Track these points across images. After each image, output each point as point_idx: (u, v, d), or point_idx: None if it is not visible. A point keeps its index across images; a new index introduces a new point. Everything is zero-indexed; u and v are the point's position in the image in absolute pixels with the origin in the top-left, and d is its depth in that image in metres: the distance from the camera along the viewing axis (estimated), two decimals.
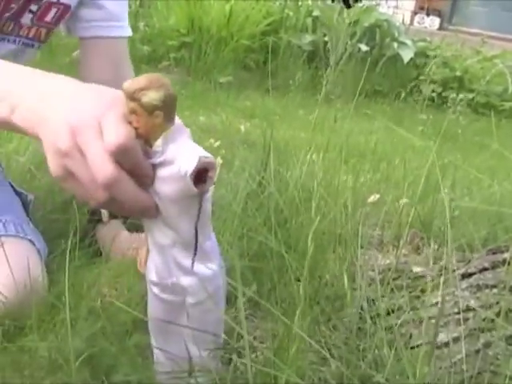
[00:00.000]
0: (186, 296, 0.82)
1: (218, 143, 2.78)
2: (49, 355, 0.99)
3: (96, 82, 1.36)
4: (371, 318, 1.03)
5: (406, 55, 5.17)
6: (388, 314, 1.07)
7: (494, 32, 9.65)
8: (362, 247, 1.34)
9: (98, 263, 1.30)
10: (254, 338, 1.08)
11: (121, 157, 0.72)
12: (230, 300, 1.14)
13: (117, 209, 0.78)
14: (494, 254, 1.15)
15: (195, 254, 0.80)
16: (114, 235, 1.40)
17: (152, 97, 0.71)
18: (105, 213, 1.44)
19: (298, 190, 1.32)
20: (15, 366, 0.99)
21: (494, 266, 1.10)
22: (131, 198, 0.74)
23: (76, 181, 0.74)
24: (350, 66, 4.80)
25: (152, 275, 0.83)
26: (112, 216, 1.45)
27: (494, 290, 1.05)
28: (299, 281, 1.14)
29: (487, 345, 0.97)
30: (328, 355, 0.88)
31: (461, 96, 4.82)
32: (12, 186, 1.40)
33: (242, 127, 3.31)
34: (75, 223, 1.21)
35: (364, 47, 5.04)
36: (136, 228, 1.42)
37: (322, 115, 3.46)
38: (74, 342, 0.99)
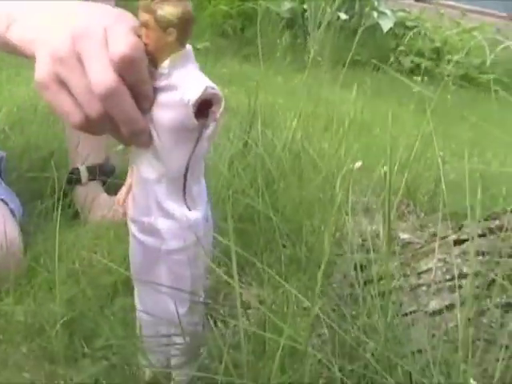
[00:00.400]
0: (162, 242, 0.77)
1: None
2: (25, 319, 0.95)
3: None
4: (362, 284, 1.00)
5: (386, 25, 5.12)
6: (378, 280, 1.04)
7: (471, 5, 9.65)
8: (348, 214, 1.31)
9: (76, 226, 1.25)
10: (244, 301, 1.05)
11: (125, 69, 0.67)
12: (215, 263, 1.10)
13: (106, 128, 0.71)
14: (485, 220, 1.12)
15: (184, 193, 0.75)
16: (93, 197, 1.36)
17: (168, 11, 0.67)
18: (84, 173, 1.39)
19: (285, 153, 1.28)
20: None
21: (487, 233, 1.07)
22: (127, 116, 0.68)
23: (63, 92, 0.68)
24: (328, 35, 4.75)
25: (131, 211, 0.78)
26: (91, 177, 1.40)
27: (488, 257, 1.02)
28: (285, 246, 1.11)
29: (481, 313, 0.95)
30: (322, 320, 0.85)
31: (441, 68, 4.79)
32: None
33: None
34: (53, 183, 1.16)
35: (343, 16, 4.98)
36: (115, 191, 1.38)
37: (302, 82, 3.41)
38: (53, 305, 0.96)
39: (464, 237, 1.08)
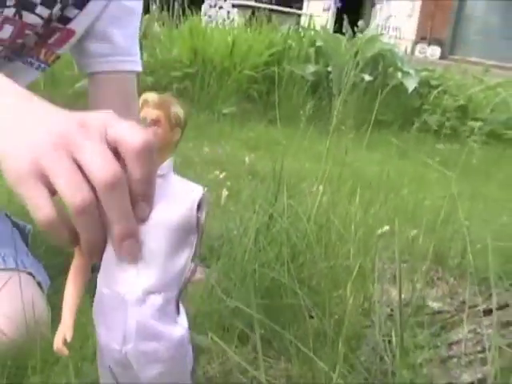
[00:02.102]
0: (140, 370, 0.66)
1: (223, 175, 2.75)
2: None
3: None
4: (391, 356, 0.99)
5: (410, 84, 5.15)
6: (407, 352, 1.02)
7: (493, 61, 9.70)
8: (377, 282, 1.29)
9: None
10: (268, 380, 1.03)
11: (142, 158, 0.60)
12: (242, 339, 1.10)
13: (91, 229, 0.62)
14: None
15: (178, 306, 0.67)
16: None
17: (179, 109, 0.69)
18: None
19: (310, 224, 1.28)
20: None
21: None
22: (124, 212, 0.61)
23: (39, 185, 0.60)
24: (353, 96, 4.78)
25: (103, 340, 0.67)
26: None
27: None
28: (312, 317, 1.10)
29: None
30: None
31: (468, 126, 4.79)
32: (9, 218, 1.37)
33: (247, 158, 3.29)
34: None
35: (367, 77, 5.02)
36: None
37: (327, 146, 3.43)
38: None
39: (495, 306, 1.06)
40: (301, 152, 3.55)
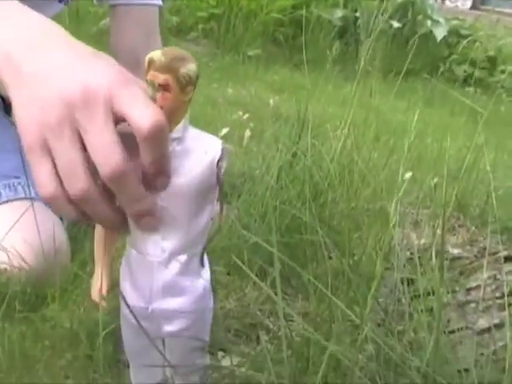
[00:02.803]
0: (165, 322, 0.70)
1: (246, 116, 2.73)
2: (71, 326, 0.96)
3: (127, 50, 1.31)
4: (409, 299, 0.99)
5: (440, 33, 5.07)
6: (426, 296, 1.02)
7: None
8: (398, 226, 1.29)
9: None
10: (285, 317, 1.04)
11: (150, 146, 0.58)
12: (261, 275, 1.10)
13: (79, 211, 0.61)
14: None
15: (202, 262, 0.69)
16: None
17: (190, 68, 0.60)
18: None
19: (333, 164, 1.27)
20: (36, 337, 0.96)
21: None
22: (134, 197, 0.60)
23: (45, 159, 0.58)
24: (380, 43, 4.71)
25: (130, 296, 0.70)
26: None
27: None
28: (331, 258, 1.10)
29: None
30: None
31: (496, 77, 4.72)
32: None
33: (271, 101, 3.26)
34: None
35: (396, 24, 4.95)
36: None
37: (353, 88, 3.39)
38: (98, 314, 0.96)
39: None
40: (325, 96, 3.52)
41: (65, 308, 1.02)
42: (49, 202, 0.60)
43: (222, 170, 0.64)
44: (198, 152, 0.63)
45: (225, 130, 2.26)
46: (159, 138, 0.58)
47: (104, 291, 0.79)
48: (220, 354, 0.94)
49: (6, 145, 1.21)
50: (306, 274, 0.99)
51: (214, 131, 2.19)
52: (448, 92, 4.16)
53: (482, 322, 0.96)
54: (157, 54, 0.60)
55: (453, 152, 2.42)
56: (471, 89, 4.45)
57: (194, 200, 0.64)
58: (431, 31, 5.10)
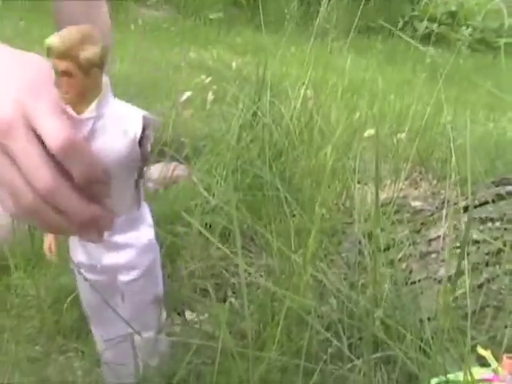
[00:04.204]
0: (119, 275, 0.75)
1: (208, 79, 2.72)
2: (37, 294, 0.96)
3: (66, 21, 1.29)
4: (371, 252, 1.00)
5: None
6: (387, 248, 1.03)
7: None
8: (358, 182, 1.30)
9: None
10: (249, 274, 1.05)
11: (67, 158, 0.58)
12: (225, 235, 1.11)
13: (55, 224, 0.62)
14: (496, 186, 1.11)
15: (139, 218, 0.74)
16: None
17: (91, 52, 0.59)
18: None
19: (293, 123, 1.27)
20: (2, 306, 0.96)
21: (496, 199, 1.06)
22: (73, 210, 0.60)
23: None
24: (342, 1, 4.70)
25: (80, 256, 0.74)
26: None
27: (497, 224, 1.01)
28: (294, 215, 1.11)
29: (491, 279, 0.94)
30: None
31: (457, 33, 4.74)
32: None
33: (234, 63, 3.25)
34: None
35: None
36: None
37: (315, 51, 3.38)
38: (64, 279, 0.96)
39: (475, 203, 1.07)
40: (288, 57, 3.52)
41: (30, 276, 1.02)
42: (13, 217, 0.64)
43: (147, 146, 0.64)
44: (118, 131, 0.62)
45: (187, 94, 2.26)
46: (71, 153, 0.58)
47: (53, 248, 0.81)
48: (187, 312, 0.95)
49: None
50: (268, 231, 1.00)
51: (177, 96, 2.18)
52: (410, 49, 4.17)
53: (443, 272, 0.98)
54: (54, 41, 0.58)
55: (415, 108, 2.44)
56: (432, 45, 4.46)
57: (119, 175, 0.64)
58: None
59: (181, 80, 2.73)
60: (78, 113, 0.61)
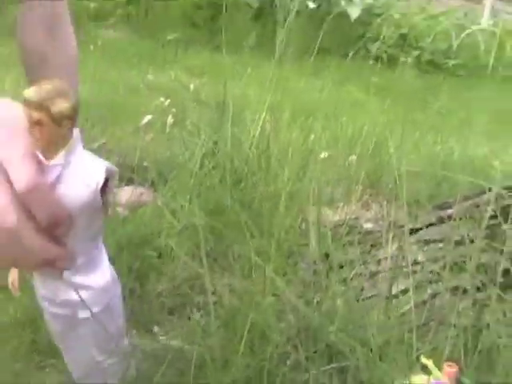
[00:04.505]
0: (77, 311, 0.80)
1: (167, 102, 2.78)
2: (15, 314, 1.02)
3: (31, 49, 1.32)
4: (326, 272, 1.08)
5: (354, 12, 5.20)
6: (341, 267, 1.12)
7: None
8: (313, 204, 1.38)
9: None
10: (213, 293, 1.12)
11: (30, 203, 0.62)
12: (190, 257, 1.18)
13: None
14: (440, 209, 1.20)
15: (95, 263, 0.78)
16: None
17: (63, 105, 0.63)
18: None
19: (252, 151, 1.35)
20: None
21: (439, 222, 1.15)
22: (36, 248, 0.64)
23: None
24: (297, 24, 4.81)
25: (41, 290, 0.79)
26: None
27: (440, 245, 1.10)
28: (254, 237, 1.18)
29: (434, 296, 1.03)
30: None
31: (408, 58, 4.88)
32: None
33: (192, 85, 3.31)
34: None
35: (311, 4, 5.05)
36: None
37: (272, 73, 3.47)
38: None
39: (419, 225, 1.16)
40: (246, 79, 3.59)
41: (11, 298, 1.07)
42: None
43: (109, 197, 0.69)
44: (82, 180, 0.66)
45: (148, 118, 2.32)
46: (35, 196, 0.62)
47: (16, 284, 0.87)
48: (155, 328, 1.02)
49: None
50: (230, 253, 1.08)
51: (137, 119, 2.25)
52: (363, 70, 4.30)
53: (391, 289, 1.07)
54: (30, 92, 0.63)
55: (367, 129, 2.54)
56: (384, 66, 4.59)
57: (80, 220, 0.67)
58: (345, 10, 5.22)
59: (140, 103, 2.79)
60: (47, 159, 0.65)
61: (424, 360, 0.85)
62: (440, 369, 0.84)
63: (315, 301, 1.04)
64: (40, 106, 0.62)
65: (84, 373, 0.87)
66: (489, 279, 0.99)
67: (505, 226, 1.03)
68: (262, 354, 0.87)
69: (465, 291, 0.99)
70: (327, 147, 2.08)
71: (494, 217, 1.07)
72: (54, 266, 0.66)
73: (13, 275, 0.88)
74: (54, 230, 0.64)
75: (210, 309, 0.86)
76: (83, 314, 0.80)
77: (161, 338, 1.00)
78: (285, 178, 1.38)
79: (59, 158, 0.65)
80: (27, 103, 0.62)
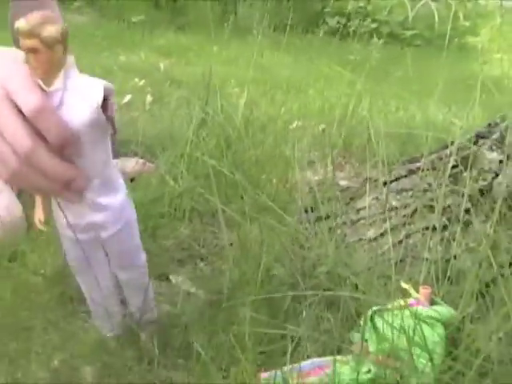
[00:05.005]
0: (101, 231, 0.84)
1: (142, 82, 2.90)
2: (45, 271, 1.15)
3: None
4: (311, 223, 1.24)
5: None
6: (326, 217, 1.27)
7: None
8: (295, 166, 1.54)
9: None
10: (215, 245, 1.28)
11: (39, 122, 0.70)
12: (191, 216, 1.33)
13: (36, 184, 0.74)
14: (409, 163, 1.36)
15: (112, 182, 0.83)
16: None
17: (52, 30, 0.70)
18: None
19: (239, 120, 1.51)
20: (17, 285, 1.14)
21: (409, 174, 1.31)
22: (53, 170, 0.72)
23: None
24: (258, 1, 4.93)
25: (68, 218, 0.83)
26: None
27: (410, 193, 1.26)
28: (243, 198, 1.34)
29: (408, 236, 1.20)
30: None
31: (366, 27, 5.03)
32: None
33: (162, 65, 3.43)
34: None
35: None
36: None
37: (236, 50, 3.61)
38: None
39: (391, 178, 1.32)
40: (212, 57, 3.70)
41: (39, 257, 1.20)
42: (6, 182, 0.75)
43: (112, 112, 0.75)
44: (82, 100, 0.73)
45: (127, 97, 2.45)
46: (43, 117, 0.69)
47: (42, 218, 0.90)
48: (171, 277, 1.17)
49: None
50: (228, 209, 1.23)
51: (118, 99, 2.37)
52: (326, 44, 4.44)
53: (371, 233, 1.23)
54: (21, 22, 0.70)
55: (334, 100, 2.70)
56: (343, 39, 4.74)
57: (86, 139, 0.74)
58: None
59: (117, 83, 2.91)
60: (47, 86, 0.72)
61: (403, 284, 1.01)
62: (418, 292, 1.00)
63: (306, 246, 1.20)
64: (31, 33, 0.69)
65: (101, 295, 0.93)
66: (453, 218, 1.15)
67: (465, 174, 1.20)
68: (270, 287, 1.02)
69: (434, 229, 1.15)
70: (298, 117, 2.23)
71: (455, 166, 1.24)
72: (72, 188, 0.75)
73: (38, 212, 0.90)
74: (63, 150, 0.72)
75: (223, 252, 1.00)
76: (106, 233, 0.84)
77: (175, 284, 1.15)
78: (270, 144, 1.54)
79: (58, 83, 0.73)
80: (20, 33, 0.69)
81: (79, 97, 0.73)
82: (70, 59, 0.74)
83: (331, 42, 4.67)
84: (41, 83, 0.72)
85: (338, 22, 5.16)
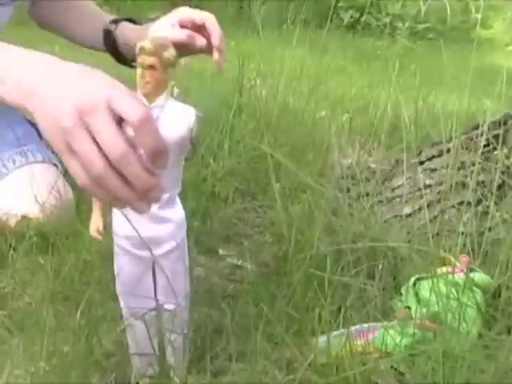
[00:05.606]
0: (156, 248, 0.85)
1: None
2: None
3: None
4: (348, 201, 1.31)
5: None
6: (365, 195, 1.34)
7: None
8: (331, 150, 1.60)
9: None
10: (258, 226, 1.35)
11: (141, 131, 0.71)
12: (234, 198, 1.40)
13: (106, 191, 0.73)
14: (438, 145, 1.42)
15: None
16: None
17: (172, 53, 0.78)
18: None
19: (275, 105, 1.58)
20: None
21: (440, 154, 1.38)
22: (139, 176, 0.72)
23: (73, 156, 0.72)
24: None
25: (124, 229, 0.85)
26: None
27: (443, 171, 1.33)
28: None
29: (443, 211, 1.26)
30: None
31: (378, 21, 5.07)
32: (28, 120, 1.57)
33: (182, 60, 3.47)
34: None
35: None
36: None
37: (252, 45, 3.66)
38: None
39: (423, 159, 1.39)
40: (230, 52, 3.75)
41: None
42: (82, 188, 0.74)
43: (194, 133, 0.82)
44: (176, 121, 0.80)
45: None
46: (145, 126, 0.71)
47: (100, 228, 0.92)
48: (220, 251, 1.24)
49: (12, 117, 1.44)
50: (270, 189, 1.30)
51: None
52: (339, 38, 4.49)
53: (407, 210, 1.30)
54: (146, 43, 0.77)
55: (354, 91, 2.76)
56: (358, 33, 4.79)
57: (173, 155, 0.77)
58: None
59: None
60: (149, 102, 0.79)
61: (443, 254, 1.08)
62: (458, 259, 1.07)
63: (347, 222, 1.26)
64: (155, 52, 0.77)
65: (141, 322, 0.89)
66: (487, 193, 1.22)
67: (496, 151, 1.27)
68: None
69: (468, 204, 1.22)
70: (322, 107, 2.30)
71: (486, 146, 1.30)
72: (147, 198, 0.75)
73: (95, 221, 0.91)
74: (155, 161, 0.72)
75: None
76: (162, 249, 0.86)
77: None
78: (300, 131, 1.61)
79: (160, 101, 0.80)
80: (143, 51, 0.77)
81: (174, 116, 0.80)
82: (170, 84, 0.82)
83: (345, 36, 4.73)
84: (143, 99, 0.78)
85: (352, 17, 5.21)
